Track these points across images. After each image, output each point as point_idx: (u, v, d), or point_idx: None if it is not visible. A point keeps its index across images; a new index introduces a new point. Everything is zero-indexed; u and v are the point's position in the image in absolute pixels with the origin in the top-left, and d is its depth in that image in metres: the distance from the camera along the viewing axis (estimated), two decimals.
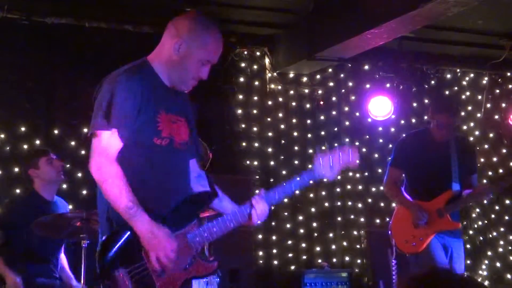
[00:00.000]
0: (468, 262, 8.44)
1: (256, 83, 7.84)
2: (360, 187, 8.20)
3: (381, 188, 8.03)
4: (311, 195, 7.99)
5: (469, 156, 5.77)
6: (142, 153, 3.24)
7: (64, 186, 6.41)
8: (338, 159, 3.52)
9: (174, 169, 3.36)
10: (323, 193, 8.05)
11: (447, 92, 8.63)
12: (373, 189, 8.22)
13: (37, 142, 6.66)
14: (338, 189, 8.12)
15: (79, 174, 6.70)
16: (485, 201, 5.70)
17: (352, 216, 8.10)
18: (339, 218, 8.10)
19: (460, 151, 5.61)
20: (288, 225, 7.81)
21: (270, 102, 7.92)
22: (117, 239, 3.15)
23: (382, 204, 8.15)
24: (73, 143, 6.77)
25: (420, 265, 5.38)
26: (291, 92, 8.07)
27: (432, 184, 5.51)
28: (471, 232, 8.51)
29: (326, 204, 8.05)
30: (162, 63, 3.34)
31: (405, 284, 1.68)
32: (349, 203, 8.13)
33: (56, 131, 6.78)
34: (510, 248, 8.63)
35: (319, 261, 7.87)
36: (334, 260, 7.97)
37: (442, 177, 5.51)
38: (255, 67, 7.87)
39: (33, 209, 5.29)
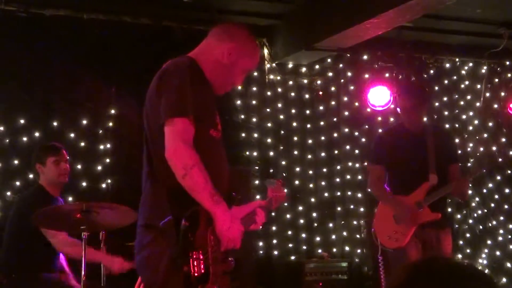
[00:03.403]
0: (468, 251, 8.47)
1: (255, 73, 7.81)
2: (359, 177, 8.19)
3: None
4: (311, 186, 8.01)
5: (447, 145, 5.66)
6: (200, 143, 3.20)
7: None
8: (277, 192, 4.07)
9: (223, 162, 3.45)
10: (323, 183, 8.06)
11: (446, 82, 8.62)
12: None
13: (36, 134, 6.64)
14: (337, 179, 8.12)
15: (79, 166, 6.70)
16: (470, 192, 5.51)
17: (352, 206, 8.10)
18: (339, 208, 8.10)
19: (437, 140, 5.48)
20: (288, 216, 7.81)
21: (269, 93, 7.92)
22: (195, 221, 3.12)
23: None
24: (72, 135, 6.75)
25: (396, 260, 5.34)
26: (290, 82, 8.06)
27: (410, 177, 5.42)
28: (470, 221, 8.53)
29: (326, 194, 8.05)
30: (209, 64, 3.39)
31: (404, 272, 1.67)
32: (349, 193, 8.13)
33: (55, 123, 6.76)
34: (509, 237, 8.63)
35: (319, 251, 7.88)
36: (334, 250, 7.98)
37: (420, 170, 5.39)
38: None
39: (40, 203, 5.28)
